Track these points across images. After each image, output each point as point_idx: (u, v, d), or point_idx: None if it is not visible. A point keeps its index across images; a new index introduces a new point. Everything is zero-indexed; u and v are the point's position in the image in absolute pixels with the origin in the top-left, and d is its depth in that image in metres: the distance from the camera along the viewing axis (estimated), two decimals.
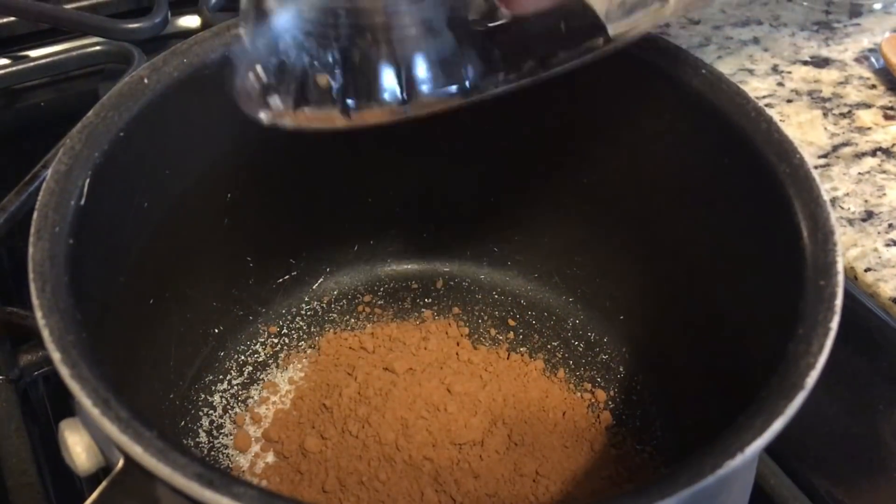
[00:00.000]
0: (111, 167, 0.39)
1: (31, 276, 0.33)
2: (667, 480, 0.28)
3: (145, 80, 0.42)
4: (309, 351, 0.56)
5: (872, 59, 0.76)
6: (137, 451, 0.28)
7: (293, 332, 0.57)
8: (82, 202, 0.37)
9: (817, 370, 0.32)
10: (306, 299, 0.59)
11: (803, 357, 0.32)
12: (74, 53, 0.81)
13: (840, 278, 0.35)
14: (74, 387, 0.29)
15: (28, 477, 0.51)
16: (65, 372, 0.30)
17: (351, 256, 0.60)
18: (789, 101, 0.70)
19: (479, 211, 0.59)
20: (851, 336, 0.59)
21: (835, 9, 0.78)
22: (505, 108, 0.52)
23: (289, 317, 0.58)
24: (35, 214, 0.35)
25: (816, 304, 0.34)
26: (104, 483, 0.30)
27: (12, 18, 0.82)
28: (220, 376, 0.54)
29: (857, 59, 0.76)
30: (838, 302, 0.34)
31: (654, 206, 0.50)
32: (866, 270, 0.60)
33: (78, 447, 0.33)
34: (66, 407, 0.36)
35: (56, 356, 0.30)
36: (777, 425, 0.30)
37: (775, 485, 0.55)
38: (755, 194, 0.41)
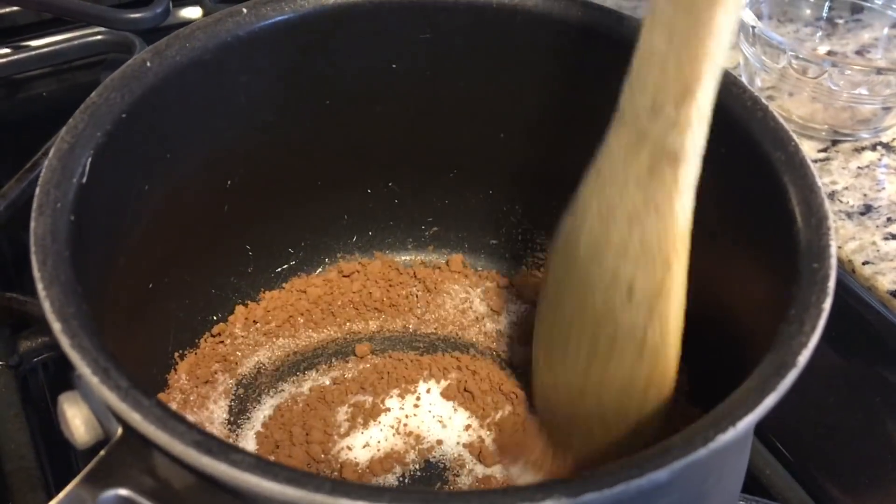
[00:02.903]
0: (113, 147, 0.39)
1: (32, 249, 0.33)
2: (659, 452, 0.28)
3: (148, 64, 0.43)
4: None
5: (873, 54, 0.77)
6: (136, 418, 0.28)
7: (291, 320, 0.57)
8: (84, 180, 0.37)
9: (809, 349, 0.32)
10: None
11: (796, 336, 0.32)
12: (76, 43, 0.81)
13: (833, 261, 0.35)
14: (74, 356, 0.30)
15: (26, 461, 0.51)
16: (65, 342, 0.30)
17: (349, 246, 0.60)
18: (791, 94, 0.70)
19: (476, 204, 0.59)
20: (848, 329, 0.60)
21: (837, 5, 0.78)
22: (505, 105, 0.53)
23: None
24: (37, 190, 0.35)
25: (810, 286, 0.34)
26: (102, 451, 0.30)
27: (14, 8, 0.83)
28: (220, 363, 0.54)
29: (857, 53, 0.77)
30: (831, 284, 0.34)
31: None
32: (864, 264, 0.61)
33: (77, 420, 0.34)
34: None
35: (56, 326, 0.30)
36: (768, 402, 0.30)
37: (771, 474, 0.56)
38: (751, 181, 0.42)
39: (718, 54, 0.35)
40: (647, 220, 0.38)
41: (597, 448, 0.42)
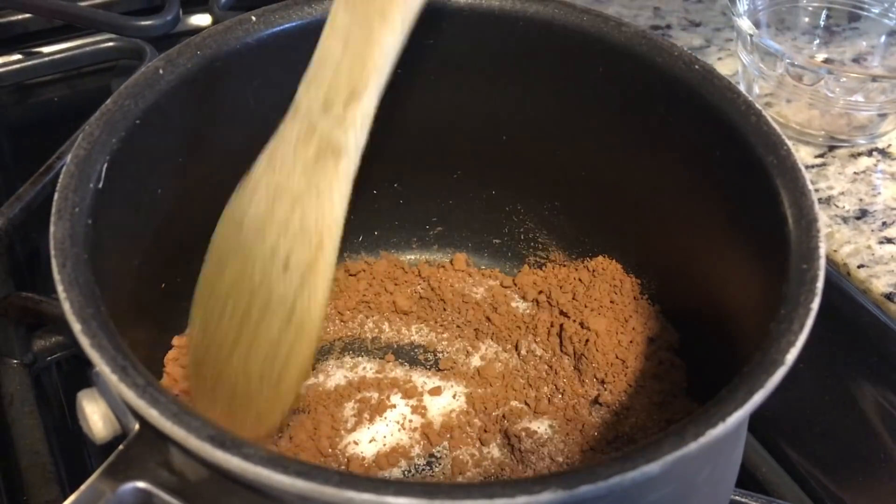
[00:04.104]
0: (127, 153, 0.41)
1: (52, 252, 0.34)
2: (652, 446, 0.29)
3: (160, 71, 0.44)
4: None
5: (869, 61, 0.78)
6: (153, 414, 0.29)
7: None
8: (100, 185, 0.38)
9: (798, 347, 0.33)
10: None
11: (785, 335, 0.33)
12: (87, 50, 0.83)
13: (822, 262, 0.36)
14: (94, 355, 0.31)
15: (40, 457, 0.53)
16: (85, 342, 0.31)
17: (355, 246, 0.61)
18: (788, 100, 0.72)
19: (479, 204, 0.61)
20: (843, 331, 0.61)
21: (834, 13, 0.79)
22: (507, 108, 0.54)
23: None
24: (56, 196, 0.37)
25: (799, 286, 0.35)
26: (121, 446, 0.32)
27: (26, 15, 0.84)
28: None
29: (854, 61, 0.78)
30: (819, 284, 0.35)
31: (649, 198, 0.52)
32: (859, 267, 0.62)
33: (95, 416, 0.35)
34: (77, 391, 0.37)
35: (77, 327, 0.32)
36: (757, 398, 0.31)
37: (767, 472, 0.57)
38: (744, 184, 0.43)
39: (384, 66, 0.41)
40: (308, 203, 0.42)
41: (238, 411, 0.45)
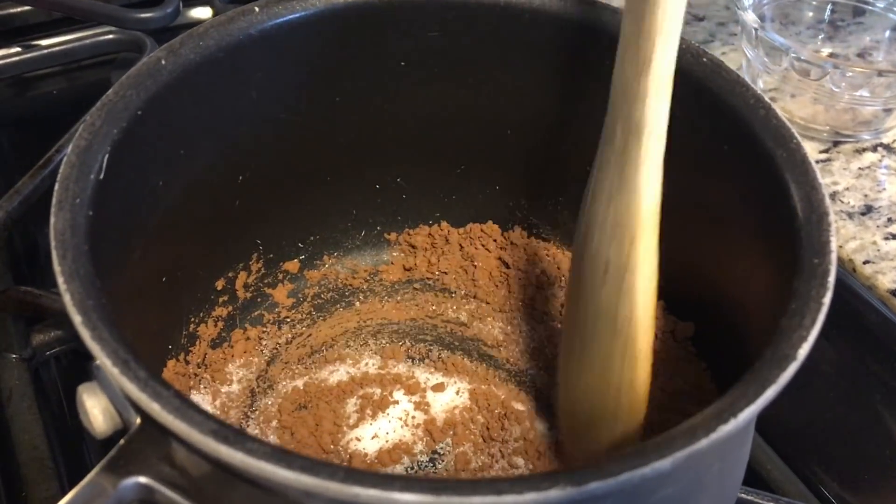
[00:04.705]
0: (129, 144, 0.40)
1: (52, 244, 0.34)
2: (663, 443, 0.29)
3: (163, 62, 0.43)
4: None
5: (874, 56, 0.77)
6: (155, 408, 0.29)
7: (299, 314, 0.58)
8: (101, 176, 0.38)
9: (809, 342, 0.33)
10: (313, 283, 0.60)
11: (796, 330, 0.33)
12: (86, 42, 0.82)
13: (833, 257, 0.36)
14: (95, 348, 0.31)
15: (39, 452, 0.52)
16: (86, 334, 0.31)
17: (358, 241, 0.61)
18: (793, 95, 0.71)
19: (483, 199, 0.60)
20: (849, 327, 0.60)
21: (839, 8, 0.79)
22: (512, 102, 0.54)
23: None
24: (56, 186, 0.36)
25: (810, 280, 0.35)
26: (122, 440, 0.31)
27: (25, 7, 0.83)
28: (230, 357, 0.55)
29: (859, 56, 0.78)
30: (831, 279, 0.35)
31: None
32: (865, 263, 0.61)
33: (95, 410, 0.34)
34: (76, 386, 0.37)
35: (77, 319, 0.31)
36: (769, 394, 0.31)
37: (772, 469, 0.56)
38: (754, 178, 0.42)
39: (670, 28, 0.38)
40: (619, 195, 0.39)
41: (582, 439, 0.43)
